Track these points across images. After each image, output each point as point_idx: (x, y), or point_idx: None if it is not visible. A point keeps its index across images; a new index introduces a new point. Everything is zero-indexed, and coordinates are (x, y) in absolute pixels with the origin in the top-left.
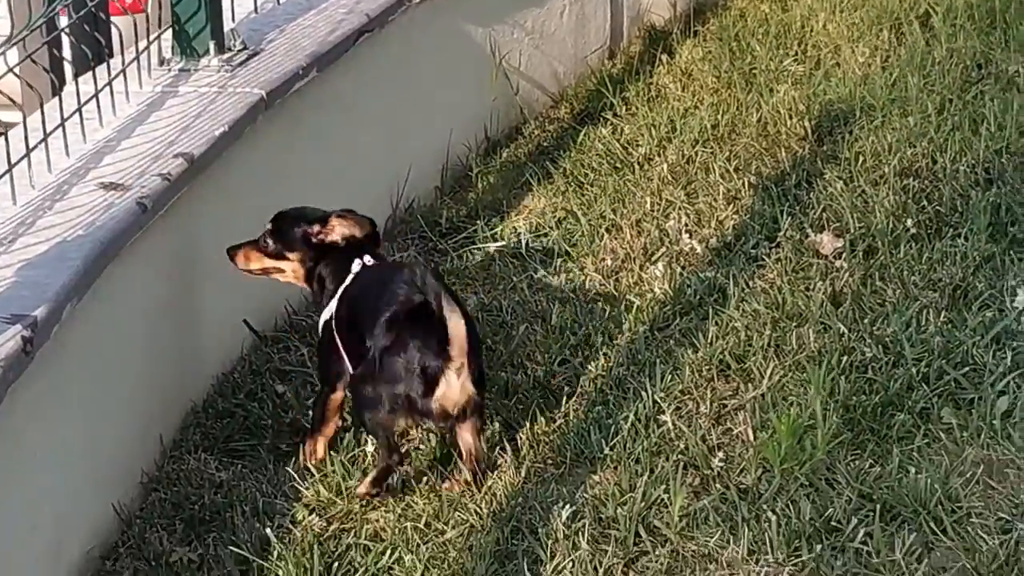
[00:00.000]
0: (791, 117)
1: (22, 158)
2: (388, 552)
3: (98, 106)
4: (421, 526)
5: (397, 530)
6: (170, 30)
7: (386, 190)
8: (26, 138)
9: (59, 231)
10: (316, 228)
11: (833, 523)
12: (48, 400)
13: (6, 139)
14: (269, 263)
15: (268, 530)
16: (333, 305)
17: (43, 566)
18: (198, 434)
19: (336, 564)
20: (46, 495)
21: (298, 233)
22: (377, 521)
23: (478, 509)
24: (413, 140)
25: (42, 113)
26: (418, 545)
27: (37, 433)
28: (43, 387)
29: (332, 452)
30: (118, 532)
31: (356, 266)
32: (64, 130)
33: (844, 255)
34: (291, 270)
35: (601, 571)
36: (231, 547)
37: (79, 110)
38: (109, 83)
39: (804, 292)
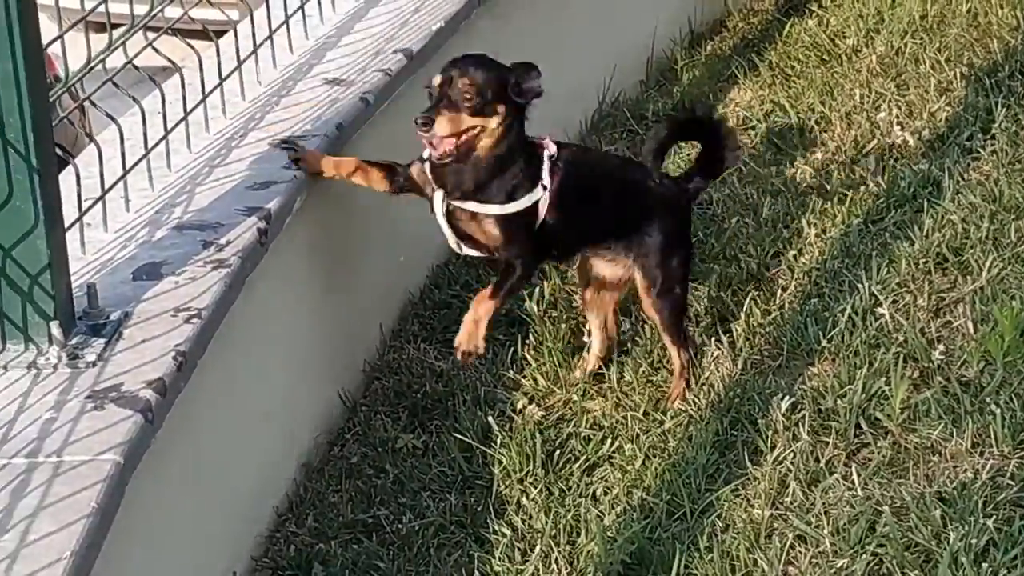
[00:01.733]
0: (1002, 7)
1: (249, 55)
2: (608, 441)
3: (319, 3)
4: (640, 415)
5: (615, 420)
6: None
7: (592, 84)
8: (253, 35)
9: (287, 126)
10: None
11: None
12: (279, 292)
13: (235, 35)
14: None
15: (490, 418)
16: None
17: (277, 450)
18: (416, 324)
19: (557, 452)
20: (278, 383)
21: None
22: (595, 411)
23: (696, 400)
24: (618, 35)
25: (267, 9)
26: (637, 435)
27: (269, 324)
28: (275, 279)
29: (548, 344)
30: (344, 419)
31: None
32: (288, 27)
33: None
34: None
35: (823, 462)
36: (455, 434)
37: (302, 7)
38: None
39: (1022, 184)
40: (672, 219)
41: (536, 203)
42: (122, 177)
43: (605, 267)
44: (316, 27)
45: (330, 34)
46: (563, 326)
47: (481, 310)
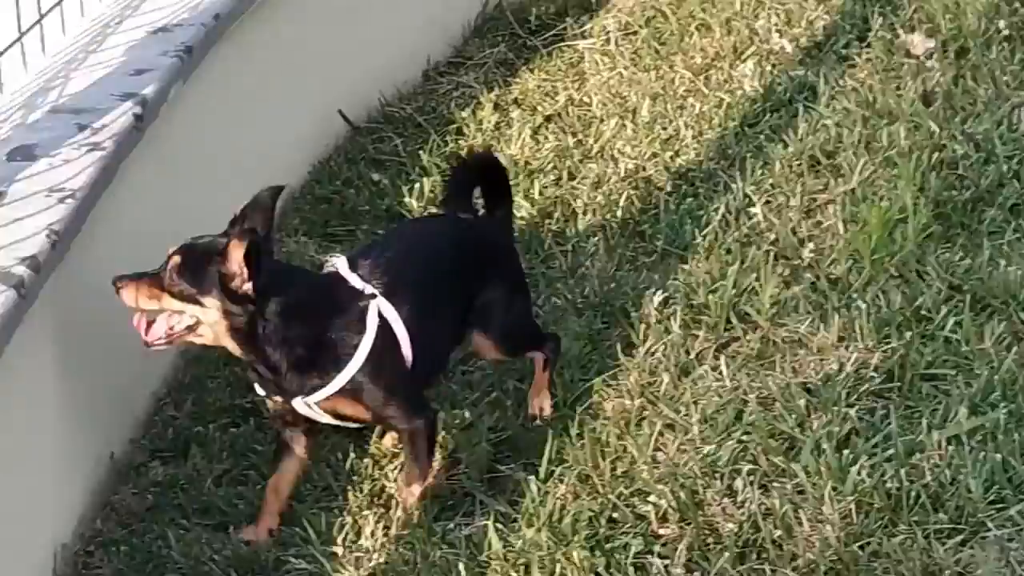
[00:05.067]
0: None
1: None
2: None
3: None
4: None
5: None
6: None
7: None
8: None
9: (164, 14)
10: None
11: (923, 312)
12: (155, 179)
13: None
14: None
15: None
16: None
17: None
18: (297, 218)
19: None
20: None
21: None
22: None
23: (571, 294)
24: None
25: None
26: None
27: (145, 207)
28: (151, 164)
29: None
30: None
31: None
32: None
33: (935, 56)
34: None
35: (693, 355)
36: None
37: None
38: None
39: (895, 91)
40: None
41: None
42: None
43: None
44: None
45: None
46: None
47: (412, 502)
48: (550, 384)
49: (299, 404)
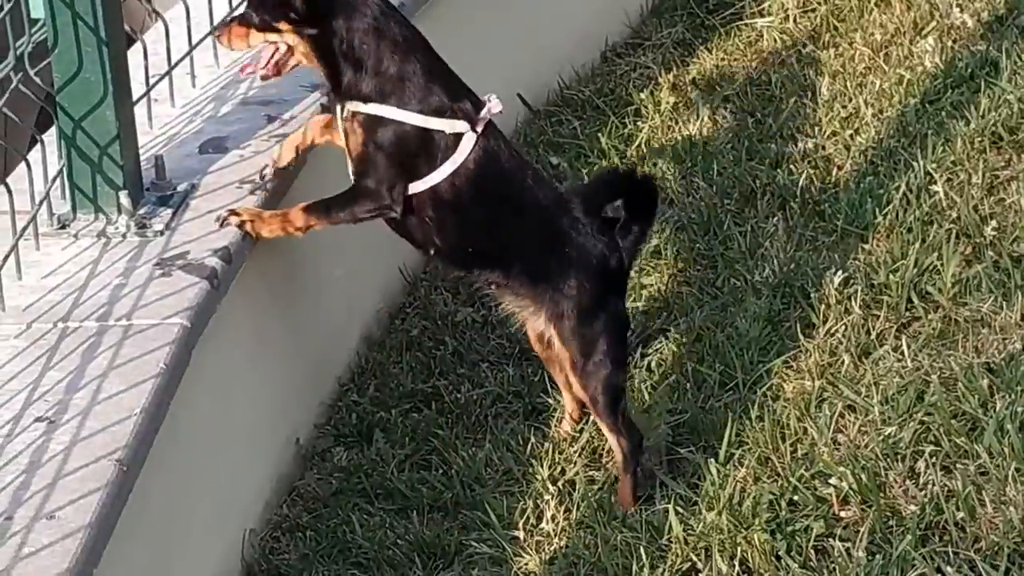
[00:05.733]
0: None
1: None
2: (663, 314)
3: None
4: (694, 290)
5: (671, 294)
6: None
7: None
8: None
9: None
10: None
11: None
12: (341, 167)
13: None
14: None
15: None
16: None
17: (340, 322)
18: None
19: None
20: (345, 255)
21: None
22: (651, 286)
23: (748, 274)
24: None
25: None
26: (692, 309)
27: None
28: (337, 154)
29: None
30: (404, 293)
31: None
32: None
33: None
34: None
35: (874, 335)
36: None
37: None
38: None
39: None
40: (596, 280)
41: (447, 138)
42: (188, 53)
43: (521, 313)
44: None
45: None
46: None
47: (292, 220)
48: (634, 490)
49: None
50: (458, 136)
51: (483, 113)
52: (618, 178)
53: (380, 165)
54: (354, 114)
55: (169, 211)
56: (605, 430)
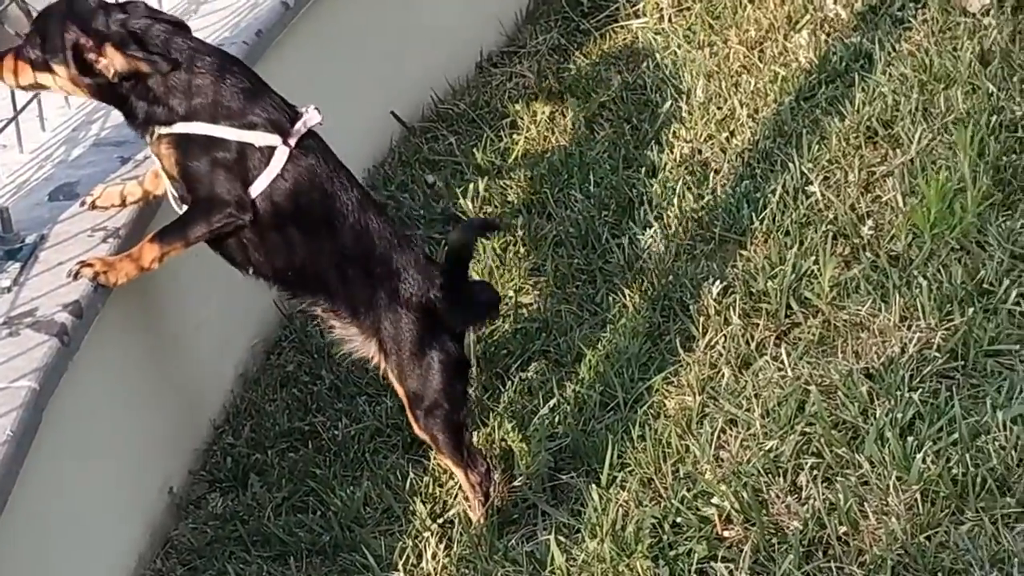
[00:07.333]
0: None
1: None
2: (543, 335)
3: None
4: (573, 308)
5: (550, 314)
6: None
7: None
8: None
9: (206, 34)
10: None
11: (985, 285)
12: None
13: None
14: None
15: None
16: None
17: (213, 361)
18: None
19: (492, 349)
20: (211, 295)
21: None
22: (531, 305)
23: (629, 291)
24: None
25: None
26: (571, 327)
27: None
28: None
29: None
30: (279, 327)
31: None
32: None
33: (992, 12)
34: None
35: (753, 345)
36: None
37: None
38: None
39: (952, 53)
40: (424, 317)
41: (260, 152)
42: (34, 96)
43: (351, 342)
44: None
45: None
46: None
47: (145, 255)
48: (483, 504)
49: None
50: (272, 149)
51: (297, 126)
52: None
53: (209, 175)
54: (160, 136)
55: (17, 265)
56: (451, 466)
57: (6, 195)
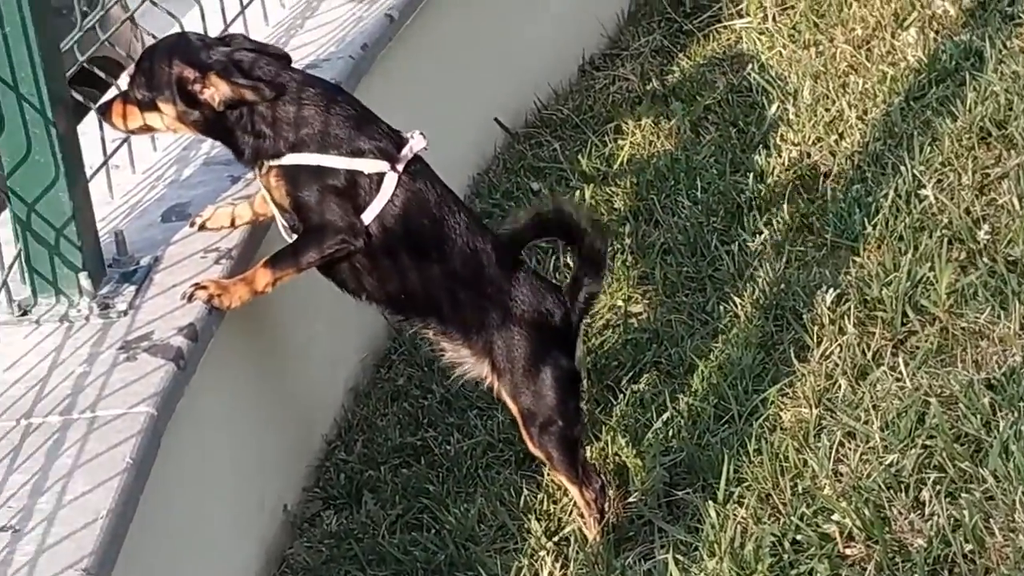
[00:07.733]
0: None
1: None
2: (654, 346)
3: None
4: (684, 317)
5: (661, 323)
6: None
7: None
8: None
9: (312, 49)
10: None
11: None
12: None
13: None
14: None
15: None
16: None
17: (324, 377)
18: None
19: (603, 361)
20: (320, 309)
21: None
22: (641, 315)
23: (740, 300)
24: None
25: None
26: (683, 338)
27: None
28: None
29: None
30: (388, 339)
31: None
32: None
33: None
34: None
35: (869, 355)
36: None
37: None
38: None
39: None
40: (537, 334)
41: (370, 179)
42: None
43: (463, 364)
44: None
45: None
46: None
47: (259, 279)
48: (599, 521)
49: None
50: (381, 176)
51: (404, 152)
52: (543, 218)
53: (320, 203)
54: (270, 168)
55: (132, 288)
56: (566, 483)
57: (120, 216)
